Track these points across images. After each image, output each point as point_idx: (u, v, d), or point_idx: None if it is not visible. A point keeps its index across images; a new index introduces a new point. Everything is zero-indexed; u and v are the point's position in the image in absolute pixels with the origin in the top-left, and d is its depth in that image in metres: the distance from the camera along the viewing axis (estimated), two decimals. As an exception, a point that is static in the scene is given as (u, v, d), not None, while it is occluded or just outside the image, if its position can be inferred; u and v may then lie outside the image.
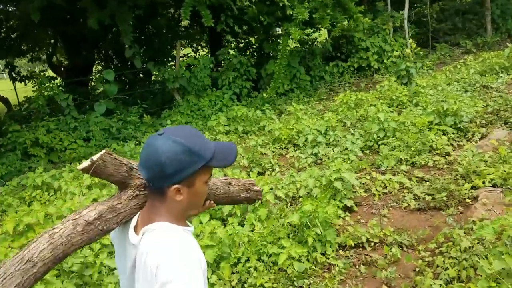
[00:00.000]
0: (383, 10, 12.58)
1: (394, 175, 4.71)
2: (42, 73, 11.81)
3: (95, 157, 1.47)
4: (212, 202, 1.78)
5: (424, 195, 4.07)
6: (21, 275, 1.43)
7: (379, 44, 11.93)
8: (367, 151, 5.73)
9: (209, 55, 13.96)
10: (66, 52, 12.54)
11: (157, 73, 9.78)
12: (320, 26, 9.79)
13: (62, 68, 12.36)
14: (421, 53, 12.08)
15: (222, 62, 10.77)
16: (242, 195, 2.25)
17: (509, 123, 5.57)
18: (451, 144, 5.35)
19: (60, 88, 9.23)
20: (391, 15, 12.42)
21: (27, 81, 11.83)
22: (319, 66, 11.97)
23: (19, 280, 1.42)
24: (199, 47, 14.18)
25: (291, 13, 9.41)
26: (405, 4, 12.56)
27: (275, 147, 6.67)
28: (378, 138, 5.75)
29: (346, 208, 4.16)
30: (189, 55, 13.86)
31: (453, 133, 5.54)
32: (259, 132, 7.71)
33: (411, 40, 9.35)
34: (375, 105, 7.62)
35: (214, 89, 10.13)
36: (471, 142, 5.38)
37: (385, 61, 12.09)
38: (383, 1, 12.69)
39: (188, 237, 1.42)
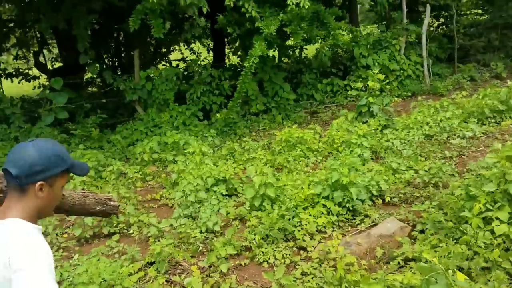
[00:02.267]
0: (400, 21, 10.85)
1: (205, 277, 3.57)
2: (27, 71, 11.73)
3: None
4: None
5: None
6: None
7: (384, 62, 10.32)
8: (237, 222, 4.57)
9: (211, 60, 13.17)
10: (59, 49, 12.28)
11: (113, 83, 9.08)
12: (293, 41, 8.46)
13: (50, 67, 12.13)
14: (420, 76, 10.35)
15: (193, 74, 9.82)
16: (97, 208, 2.72)
17: (417, 210, 4.11)
18: (325, 232, 4.05)
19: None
20: (405, 27, 10.69)
21: (13, 78, 11.76)
22: (311, 82, 10.63)
23: None
24: (199, 50, 13.30)
25: (259, 25, 8.23)
26: (426, 15, 10.77)
27: (167, 194, 5.67)
28: (250, 208, 4.57)
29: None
30: (187, 58, 13.04)
31: (338, 214, 4.22)
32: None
33: (377, 71, 7.65)
34: (314, 149, 6.37)
35: (176, 104, 9.24)
36: (357, 230, 4.05)
37: (392, 82, 10.50)
38: (400, 11, 10.93)
39: (37, 233, 1.64)
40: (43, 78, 11.80)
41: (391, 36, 10.59)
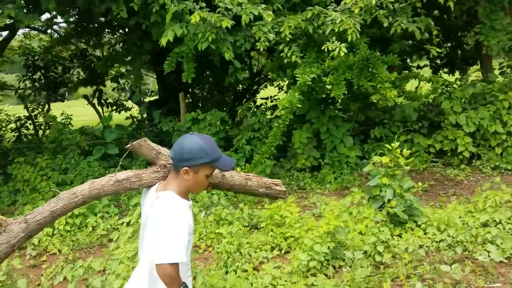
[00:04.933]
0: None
1: None
2: (124, 101, 12.57)
3: (136, 141, 2.48)
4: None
5: None
6: (67, 200, 2.43)
7: (481, 121, 7.95)
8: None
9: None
10: (158, 83, 12.89)
11: (159, 124, 8.96)
12: (333, 93, 6.97)
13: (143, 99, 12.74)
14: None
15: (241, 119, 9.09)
16: (260, 190, 2.88)
17: None
18: None
19: (69, 126, 9.34)
20: (523, 78, 8.14)
21: (112, 107, 12.73)
22: (388, 138, 8.83)
23: (65, 202, 2.43)
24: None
25: (296, 73, 7.11)
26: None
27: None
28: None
29: None
30: (275, 96, 12.28)
31: None
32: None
33: (395, 146, 5.53)
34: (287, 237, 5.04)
35: (222, 149, 8.59)
36: None
37: (494, 147, 8.04)
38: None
39: (185, 206, 2.21)
40: (134, 110, 12.47)
41: (499, 89, 8.15)
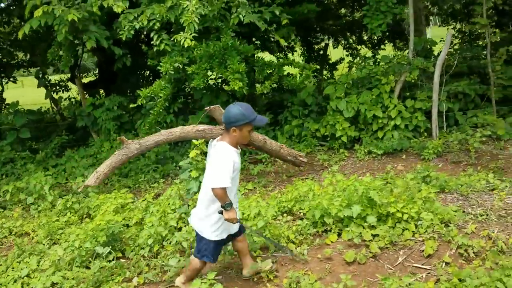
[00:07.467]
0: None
1: None
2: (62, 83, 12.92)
3: (212, 107, 4.69)
4: (251, 146, 4.97)
5: None
6: (166, 136, 5.07)
7: (360, 107, 7.96)
8: None
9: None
10: (98, 64, 13.18)
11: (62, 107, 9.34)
12: (194, 83, 7.11)
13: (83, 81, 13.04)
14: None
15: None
16: (288, 157, 4.78)
17: None
18: None
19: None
20: (408, 61, 8.03)
21: (56, 88, 13.12)
22: (286, 122, 8.96)
23: (164, 137, 5.07)
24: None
25: (161, 62, 7.30)
26: (445, 44, 7.87)
27: None
28: None
29: None
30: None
31: None
32: None
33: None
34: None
35: (116, 135, 8.93)
36: None
37: (377, 131, 8.06)
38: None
39: (233, 152, 3.30)
40: (73, 91, 12.84)
41: (384, 73, 8.09)
